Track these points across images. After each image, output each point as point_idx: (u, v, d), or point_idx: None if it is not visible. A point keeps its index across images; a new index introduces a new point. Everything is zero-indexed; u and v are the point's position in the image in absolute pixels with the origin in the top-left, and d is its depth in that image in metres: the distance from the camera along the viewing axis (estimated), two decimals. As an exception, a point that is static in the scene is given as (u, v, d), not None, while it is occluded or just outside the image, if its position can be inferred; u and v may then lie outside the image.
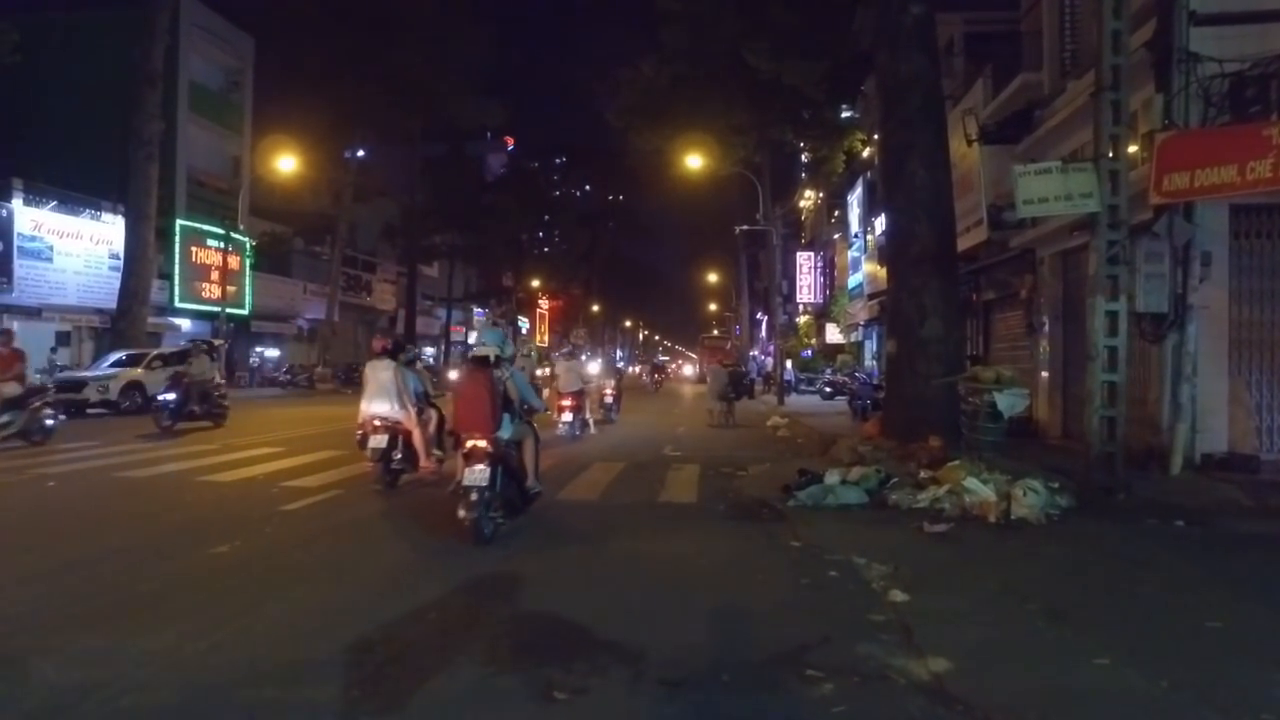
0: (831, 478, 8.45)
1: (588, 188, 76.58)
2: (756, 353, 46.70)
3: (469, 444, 6.21)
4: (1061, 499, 7.61)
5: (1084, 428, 9.02)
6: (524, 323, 67.14)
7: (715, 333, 69.77)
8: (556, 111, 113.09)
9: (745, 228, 36.02)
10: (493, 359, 6.54)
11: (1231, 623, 4.60)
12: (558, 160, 73.84)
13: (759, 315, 51.00)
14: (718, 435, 16.55)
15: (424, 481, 8.92)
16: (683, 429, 17.88)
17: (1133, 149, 9.75)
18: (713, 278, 65.55)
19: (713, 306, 78.31)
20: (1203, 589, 5.40)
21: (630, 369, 48.51)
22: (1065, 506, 7.53)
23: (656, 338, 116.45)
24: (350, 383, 27.90)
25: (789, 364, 31.50)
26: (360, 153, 36.37)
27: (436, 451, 9.22)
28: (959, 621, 4.57)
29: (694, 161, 30.39)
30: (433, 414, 9.36)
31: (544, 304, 70.68)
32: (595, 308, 78.63)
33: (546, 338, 69.92)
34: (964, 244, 14.73)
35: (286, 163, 28.84)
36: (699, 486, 9.50)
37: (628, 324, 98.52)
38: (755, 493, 8.85)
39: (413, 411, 8.80)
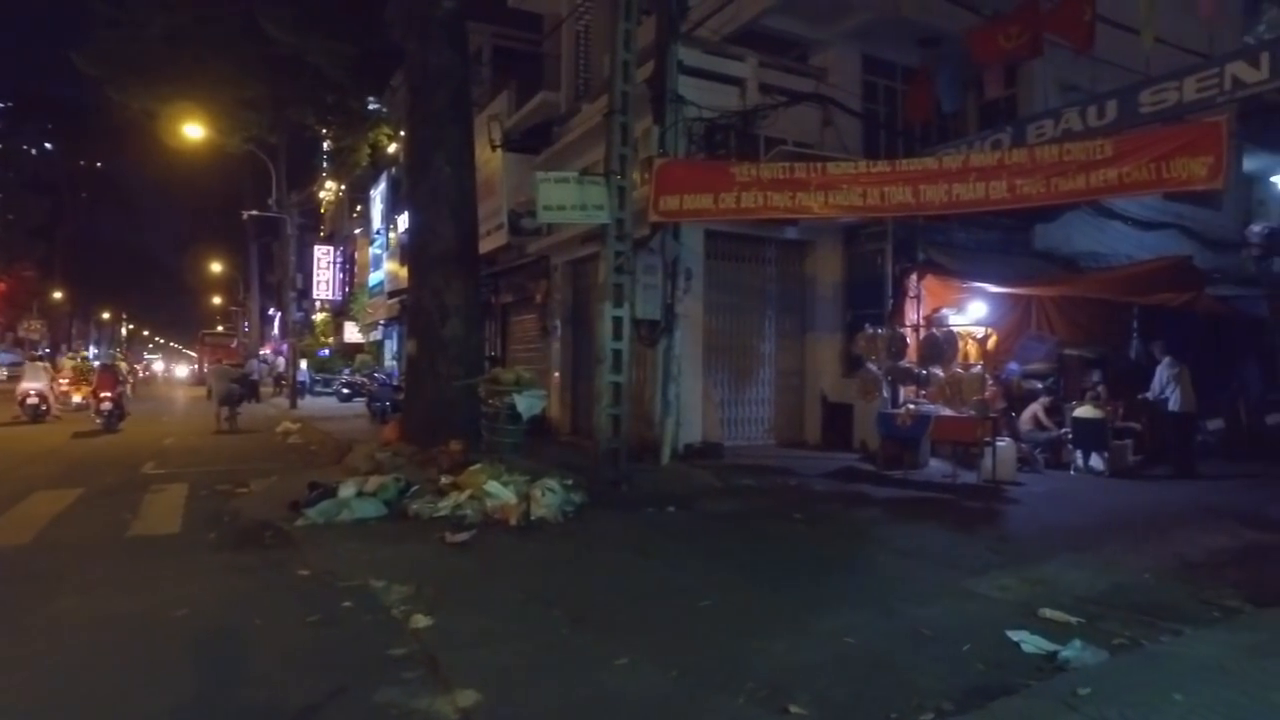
0: (347, 490, 7.72)
1: (48, 146, 62.64)
2: (267, 351, 42.70)
3: (103, 395, 16.52)
4: (576, 496, 7.94)
5: (594, 425, 9.63)
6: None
7: (220, 329, 62.43)
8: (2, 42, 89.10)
9: (256, 214, 32.53)
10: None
11: (717, 598, 5.11)
12: (1, 104, 59.12)
13: (271, 311, 46.85)
14: (216, 445, 14.43)
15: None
16: (171, 439, 15.26)
17: (634, 174, 10.81)
18: (218, 268, 58.22)
19: (218, 300, 69.59)
20: (693, 568, 5.94)
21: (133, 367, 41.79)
22: (579, 503, 7.87)
23: (146, 333, 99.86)
24: None
25: (304, 364, 29.48)
26: None
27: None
28: (487, 642, 4.30)
29: (195, 131, 26.43)
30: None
31: (-20, 286, 55.60)
32: (58, 295, 64.39)
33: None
34: (485, 247, 15.01)
35: None
36: (185, 511, 7.97)
37: (106, 316, 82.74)
38: (257, 514, 7.68)
39: (51, 386, 18.61)
